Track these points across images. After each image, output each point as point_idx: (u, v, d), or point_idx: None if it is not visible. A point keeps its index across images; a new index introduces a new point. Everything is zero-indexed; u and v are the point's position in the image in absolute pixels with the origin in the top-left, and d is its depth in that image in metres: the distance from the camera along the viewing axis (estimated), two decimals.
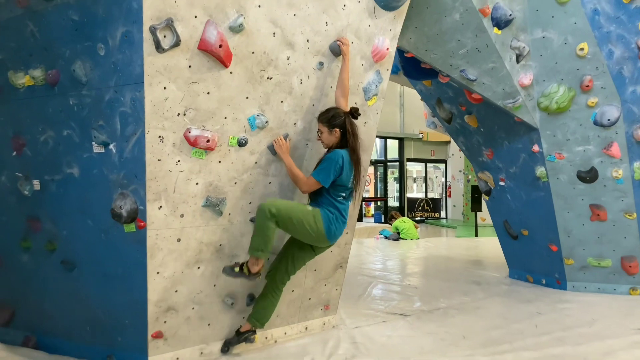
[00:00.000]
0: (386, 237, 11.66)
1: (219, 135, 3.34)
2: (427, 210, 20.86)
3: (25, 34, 3.42)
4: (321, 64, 3.74)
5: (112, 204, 3.23)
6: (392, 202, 20.61)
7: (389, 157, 20.05)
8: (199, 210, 3.37)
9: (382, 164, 19.98)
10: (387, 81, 4.19)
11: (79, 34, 3.18)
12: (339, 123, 3.55)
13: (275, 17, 3.44)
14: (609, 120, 5.05)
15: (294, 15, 3.52)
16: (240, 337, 3.66)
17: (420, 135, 19.44)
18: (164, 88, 3.07)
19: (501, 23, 4.67)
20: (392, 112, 18.80)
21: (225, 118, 3.36)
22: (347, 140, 3.55)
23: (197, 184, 3.32)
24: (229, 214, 3.52)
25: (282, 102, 3.62)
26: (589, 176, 5.39)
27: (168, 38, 3.01)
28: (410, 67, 5.68)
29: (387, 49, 4.04)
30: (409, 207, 20.29)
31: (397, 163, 20.31)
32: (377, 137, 19.09)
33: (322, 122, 3.57)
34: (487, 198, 6.72)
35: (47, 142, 3.48)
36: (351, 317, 4.67)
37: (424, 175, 21.27)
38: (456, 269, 7.50)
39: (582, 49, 4.86)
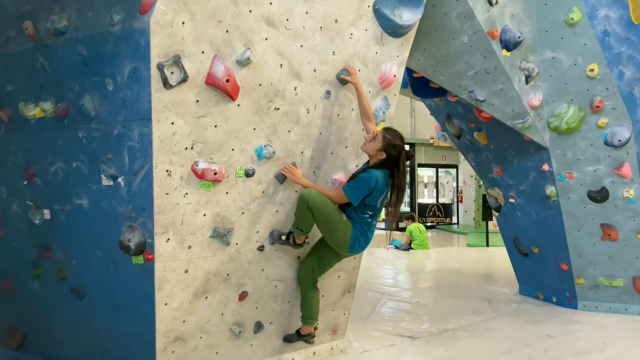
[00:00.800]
0: (396, 247, 11.63)
1: (227, 167, 3.36)
2: (439, 216, 20.78)
3: (35, 66, 3.46)
4: (328, 92, 3.75)
5: (120, 236, 3.26)
6: (403, 208, 20.58)
7: None
8: (206, 241, 3.39)
9: None
10: (394, 106, 4.19)
11: (88, 69, 3.22)
12: (392, 154, 3.59)
13: (282, 48, 3.45)
14: (619, 141, 5.01)
15: (301, 46, 3.53)
16: (300, 337, 3.89)
17: (431, 140, 19.37)
18: (172, 123, 3.09)
19: (510, 45, 4.65)
20: (403, 117, 18.74)
21: (233, 150, 3.38)
22: (393, 176, 3.63)
23: (204, 215, 3.34)
24: (237, 244, 3.54)
25: (289, 131, 3.63)
26: (599, 196, 5.34)
27: (175, 74, 3.03)
28: (418, 86, 5.66)
29: (395, 76, 4.04)
30: (420, 213, 20.21)
31: (408, 168, 20.28)
32: None
33: (384, 139, 3.58)
34: (497, 214, 6.69)
35: (57, 173, 3.53)
36: (359, 339, 4.67)
37: (435, 180, 21.21)
38: (466, 283, 7.47)
39: (592, 70, 4.82)
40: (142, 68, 2.99)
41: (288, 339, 3.92)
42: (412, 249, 11.47)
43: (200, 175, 3.25)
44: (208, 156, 3.28)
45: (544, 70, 4.96)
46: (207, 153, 3.27)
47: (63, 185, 3.51)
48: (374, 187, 3.52)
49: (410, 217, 12.46)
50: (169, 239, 3.22)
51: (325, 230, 3.61)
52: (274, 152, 3.56)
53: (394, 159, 3.59)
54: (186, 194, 3.23)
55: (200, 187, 3.28)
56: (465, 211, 19.95)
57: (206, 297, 3.46)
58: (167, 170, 3.13)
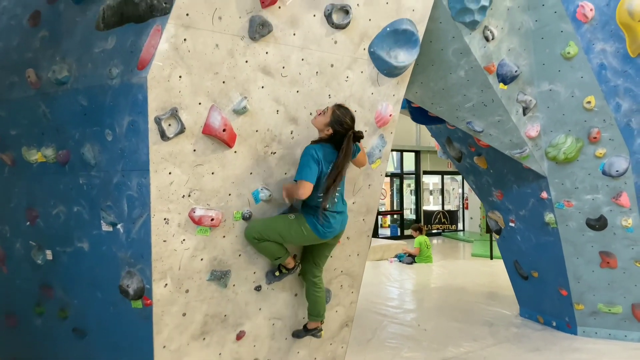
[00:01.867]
0: (400, 260, 11.66)
1: (223, 212, 3.43)
2: (444, 223, 20.80)
3: (37, 113, 3.55)
4: None
5: (120, 280, 3.34)
6: (409, 215, 20.58)
7: (405, 169, 20.04)
8: (204, 285, 3.46)
9: (397, 176, 19.98)
10: (390, 144, 4.24)
11: (88, 119, 3.30)
12: (338, 130, 3.49)
13: (279, 95, 3.52)
14: (617, 171, 5.03)
15: (297, 91, 3.59)
16: (307, 332, 3.92)
17: (436, 147, 19.31)
18: (169, 173, 3.16)
19: (507, 79, 4.69)
20: (408, 125, 18.74)
21: (230, 195, 3.45)
22: (338, 155, 3.50)
23: (201, 259, 3.41)
24: (234, 285, 3.61)
25: (285, 173, 3.69)
26: (598, 224, 5.37)
27: (173, 126, 3.10)
28: (417, 113, 5.72)
29: (391, 115, 4.09)
30: (425, 220, 20.24)
31: (414, 175, 20.29)
32: (393, 150, 19.15)
33: (332, 114, 3.48)
34: (497, 236, 6.72)
35: (59, 216, 3.61)
36: None
37: (440, 187, 21.22)
38: (468, 303, 7.49)
39: (589, 102, 4.85)
40: (140, 121, 3.06)
41: (296, 334, 3.95)
42: (415, 262, 11.49)
43: (198, 222, 3.32)
44: (205, 202, 3.35)
45: (542, 102, 4.99)
46: (204, 200, 3.34)
47: (65, 228, 3.59)
48: (317, 157, 3.41)
49: (418, 229, 12.44)
50: (166, 285, 3.29)
51: (288, 239, 3.58)
52: (270, 194, 3.61)
53: (339, 135, 3.48)
54: (183, 240, 3.30)
55: (197, 233, 3.35)
56: (471, 218, 19.93)
57: (204, 338, 3.53)
58: (164, 219, 3.20)
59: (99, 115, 3.24)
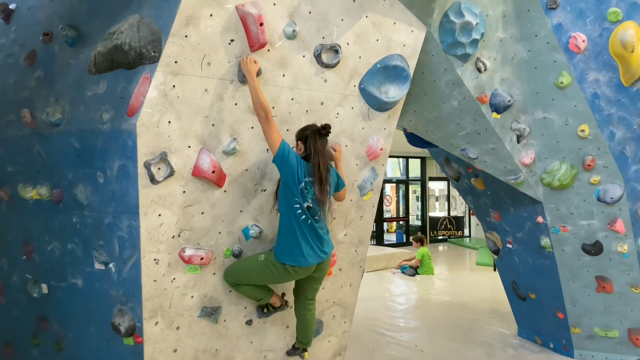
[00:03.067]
0: (402, 272, 11.68)
1: (213, 250, 3.49)
2: (450, 229, 20.76)
3: (33, 152, 3.62)
4: None
5: (112, 317, 3.41)
6: (414, 221, 20.58)
7: (411, 176, 20.04)
8: (194, 321, 3.52)
9: (403, 183, 19.98)
10: (382, 175, 4.28)
11: (80, 161, 3.37)
12: (302, 137, 3.49)
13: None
14: (612, 198, 5.04)
15: (287, 130, 3.64)
16: (295, 351, 3.93)
17: None
18: (159, 215, 3.23)
19: (500, 108, 4.71)
20: None
21: (220, 233, 3.50)
22: (309, 155, 3.45)
23: (192, 297, 3.47)
24: (225, 320, 3.66)
25: (277, 209, 3.74)
26: (593, 249, 5.37)
27: (162, 170, 3.16)
28: (413, 137, 5.75)
29: (382, 149, 4.12)
30: (431, 226, 20.23)
31: (419, 182, 20.28)
32: (398, 156, 19.17)
33: (296, 136, 3.56)
34: (495, 257, 6.74)
35: (53, 252, 3.68)
36: None
37: (446, 193, 21.19)
38: (467, 321, 7.50)
39: (583, 131, 4.86)
40: (130, 166, 3.12)
41: (289, 352, 3.97)
42: (417, 273, 11.51)
43: (188, 261, 3.38)
44: (195, 242, 3.41)
45: (536, 129, 5.01)
46: (194, 239, 3.40)
47: (59, 263, 3.66)
48: (284, 153, 3.32)
49: (419, 240, 12.46)
50: (157, 323, 3.35)
51: (263, 281, 3.56)
52: (260, 231, 3.67)
53: (305, 140, 3.46)
54: (174, 279, 3.36)
55: (187, 271, 3.41)
56: (477, 224, 19.88)
57: None
58: (154, 259, 3.26)
59: (91, 158, 3.31)
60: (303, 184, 3.40)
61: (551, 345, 6.14)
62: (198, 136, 3.27)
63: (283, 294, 3.83)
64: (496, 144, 4.93)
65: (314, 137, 3.45)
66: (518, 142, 4.98)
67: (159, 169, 3.15)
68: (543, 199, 5.36)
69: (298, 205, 3.40)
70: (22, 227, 3.84)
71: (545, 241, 5.60)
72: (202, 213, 3.39)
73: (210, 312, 3.57)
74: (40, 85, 3.63)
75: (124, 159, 3.14)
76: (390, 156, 17.07)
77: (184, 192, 3.29)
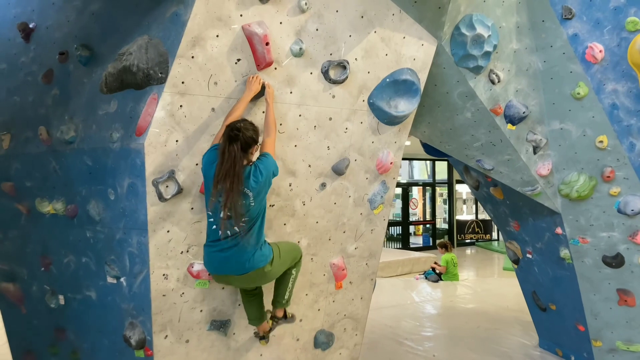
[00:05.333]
0: (426, 278, 11.59)
1: None
2: (478, 232, 20.51)
3: (49, 168, 3.74)
4: (323, 185, 3.87)
5: (124, 330, 3.49)
6: (441, 224, 20.39)
7: (438, 178, 19.86)
8: (204, 334, 3.58)
9: (430, 185, 19.82)
10: (393, 189, 4.28)
11: (93, 178, 3.46)
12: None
13: (276, 150, 3.58)
14: (632, 210, 4.92)
15: (295, 146, 3.67)
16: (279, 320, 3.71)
17: None
18: (167, 231, 3.29)
19: (515, 120, 4.65)
20: None
21: None
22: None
23: (201, 311, 3.53)
24: (234, 333, 3.71)
25: (284, 224, 3.78)
26: (614, 262, 5.25)
27: (170, 188, 3.23)
28: (429, 147, 5.72)
29: (392, 163, 4.12)
30: (458, 230, 20.02)
31: (446, 184, 20.08)
32: (424, 159, 19.02)
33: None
34: (515, 266, 6.64)
35: (69, 265, 3.79)
36: None
37: (474, 196, 20.91)
38: (488, 331, 7.42)
39: (601, 142, 4.76)
40: (139, 184, 3.19)
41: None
42: (441, 279, 11.41)
43: (196, 276, 3.44)
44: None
45: (553, 140, 4.92)
46: (202, 254, 3.45)
47: (74, 276, 3.77)
48: (204, 160, 3.16)
49: (444, 246, 12.32)
50: (167, 336, 3.42)
51: None
52: None
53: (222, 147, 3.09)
54: (183, 293, 3.43)
55: (196, 286, 3.47)
56: None
57: None
58: (163, 274, 3.33)
59: (102, 175, 3.40)
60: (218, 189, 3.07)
61: (572, 358, 6.03)
62: None
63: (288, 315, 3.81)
64: (512, 155, 4.86)
65: (225, 139, 3.07)
66: (534, 153, 4.91)
67: (167, 186, 3.22)
68: (562, 210, 5.27)
69: (210, 212, 3.16)
70: (40, 240, 3.97)
71: (564, 252, 5.50)
72: None
73: (219, 326, 3.62)
74: (56, 103, 3.74)
75: (133, 177, 3.22)
76: (417, 159, 16.93)
77: (191, 208, 3.35)
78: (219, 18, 3.23)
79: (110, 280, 3.51)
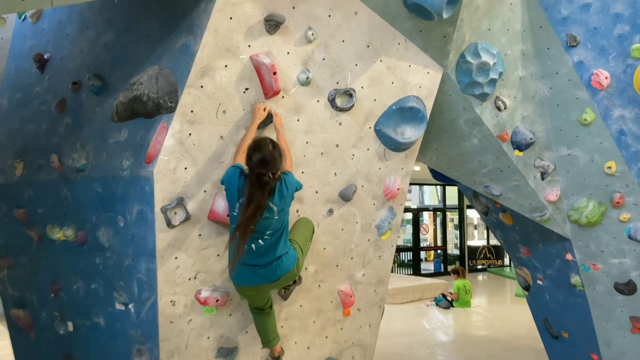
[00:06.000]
0: (437, 304, 11.49)
1: (229, 292, 3.55)
2: (489, 258, 20.33)
3: (60, 195, 3.80)
4: (331, 211, 3.89)
5: (131, 357, 3.50)
6: (453, 250, 20.26)
7: (448, 203, 19.79)
8: None
9: (440, 211, 19.74)
10: (401, 215, 4.29)
11: (103, 205, 3.51)
12: (247, 163, 3.17)
13: None
14: None
15: (302, 172, 3.71)
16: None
17: None
18: (175, 258, 3.32)
19: (522, 146, 4.66)
20: None
21: None
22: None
23: (208, 338, 3.53)
24: None
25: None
26: (627, 289, 5.19)
27: (179, 215, 3.27)
28: (437, 172, 5.74)
29: (399, 189, 4.14)
30: (470, 255, 19.86)
31: (457, 210, 19.99)
32: (434, 184, 18.97)
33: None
34: (526, 293, 6.58)
35: (78, 291, 3.83)
36: None
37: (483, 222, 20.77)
38: (500, 359, 7.32)
39: (609, 167, 4.75)
40: (148, 211, 3.24)
41: None
42: (452, 306, 11.30)
43: (204, 302, 3.45)
44: (211, 283, 3.48)
45: (561, 166, 4.93)
46: (210, 281, 3.47)
47: (84, 302, 3.80)
48: (225, 178, 3.19)
49: (456, 272, 12.21)
50: None
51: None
52: None
53: (249, 169, 3.15)
54: (190, 320, 3.44)
55: (203, 312, 3.48)
56: None
57: None
58: (171, 301, 3.35)
59: (112, 202, 3.45)
60: (237, 203, 3.15)
61: None
62: (214, 181, 3.36)
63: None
64: (519, 181, 4.87)
65: (252, 180, 3.09)
66: (542, 179, 4.91)
67: (175, 213, 3.25)
68: (571, 236, 5.24)
69: (233, 225, 3.19)
70: (51, 266, 4.01)
71: (575, 279, 5.45)
72: (218, 255, 3.47)
73: (227, 353, 3.61)
74: (69, 132, 3.83)
75: (142, 205, 3.26)
76: (427, 184, 16.88)
77: (199, 235, 3.38)
78: (228, 49, 3.31)
79: (118, 306, 3.53)
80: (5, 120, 4.50)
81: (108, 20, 3.85)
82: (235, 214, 3.15)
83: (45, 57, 4.16)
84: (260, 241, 3.20)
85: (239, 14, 3.32)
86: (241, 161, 3.21)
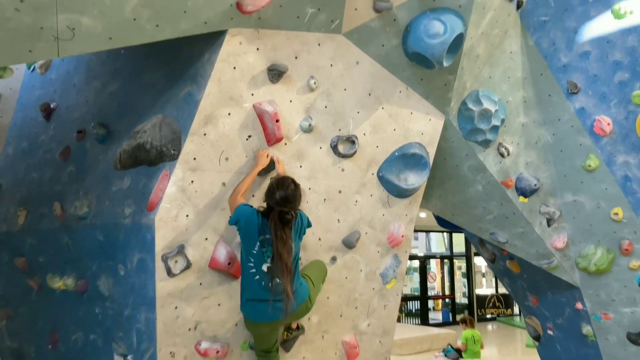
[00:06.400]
0: (446, 355, 11.17)
1: (230, 343, 3.46)
2: (499, 307, 19.89)
3: (61, 243, 3.78)
4: (334, 258, 3.84)
5: None
6: (461, 299, 19.89)
7: (455, 251, 19.56)
8: None
9: (448, 258, 19.49)
10: (406, 263, 4.22)
11: (104, 253, 3.48)
12: (267, 202, 3.19)
13: None
14: None
15: None
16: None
17: None
18: (175, 307, 3.26)
19: (527, 192, 4.64)
20: None
21: (236, 325, 3.48)
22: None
23: None
24: None
25: None
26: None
27: (179, 263, 3.22)
28: (442, 219, 5.69)
29: (403, 236, 4.09)
30: (478, 304, 19.46)
31: (464, 257, 19.74)
32: (441, 231, 18.81)
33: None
34: (537, 343, 6.40)
35: (77, 342, 3.75)
36: None
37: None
38: None
39: (616, 214, 4.70)
40: (148, 259, 3.20)
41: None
42: (461, 357, 10.98)
43: (204, 354, 3.36)
44: (212, 334, 3.40)
45: (567, 213, 4.88)
46: (210, 331, 3.39)
47: (82, 354, 3.71)
48: (236, 218, 3.14)
49: (464, 321, 11.89)
50: None
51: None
52: None
53: (269, 208, 3.16)
54: None
55: None
56: None
57: None
58: (170, 352, 3.26)
59: (113, 251, 3.42)
60: (260, 241, 3.15)
61: None
62: (215, 228, 3.34)
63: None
64: (525, 227, 4.81)
65: (274, 218, 3.11)
66: (548, 225, 4.86)
67: (175, 261, 3.21)
68: (580, 284, 5.14)
69: (252, 260, 3.17)
70: (50, 316, 3.95)
71: (587, 329, 5.31)
72: (219, 305, 3.41)
73: None
74: (72, 180, 3.84)
75: (143, 253, 3.23)
76: (433, 231, 16.67)
77: (200, 284, 3.33)
78: (231, 97, 3.35)
79: (117, 358, 3.44)
80: (11, 168, 4.53)
81: (114, 70, 3.92)
82: (255, 252, 3.15)
83: (51, 106, 4.23)
84: (277, 279, 3.16)
85: (242, 64, 3.37)
86: (236, 203, 3.21)
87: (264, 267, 3.14)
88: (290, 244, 3.15)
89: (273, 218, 3.11)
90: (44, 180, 4.08)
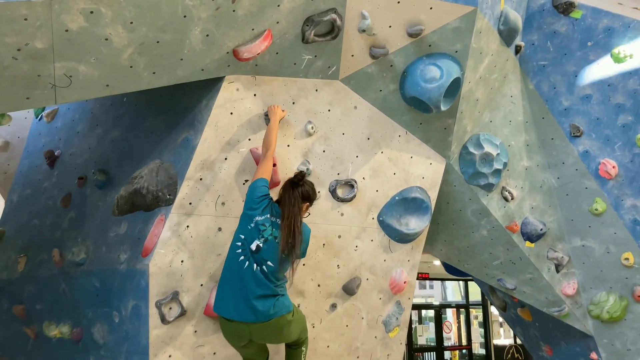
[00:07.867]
0: None
1: None
2: (517, 358, 19.28)
3: (59, 290, 3.75)
4: (334, 306, 3.76)
5: None
6: (478, 350, 19.30)
7: (471, 300, 19.11)
8: None
9: (464, 307, 19.04)
10: (409, 310, 4.11)
11: (99, 300, 3.44)
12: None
13: None
14: None
15: (303, 265, 3.62)
16: None
17: None
18: (169, 356, 3.18)
19: (533, 237, 4.54)
20: None
21: None
22: (280, 203, 3.11)
23: None
24: None
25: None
26: None
27: (174, 310, 3.17)
28: (450, 265, 5.58)
29: (406, 282, 4.00)
30: (496, 355, 18.84)
31: (481, 306, 19.27)
32: (457, 279, 18.43)
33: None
34: None
35: None
36: None
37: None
38: None
39: (627, 259, 4.58)
40: (142, 306, 3.15)
41: None
42: None
43: None
44: None
45: (576, 258, 4.76)
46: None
47: None
48: (251, 190, 3.10)
49: None
50: None
51: None
52: None
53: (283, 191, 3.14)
54: None
55: None
56: None
57: None
58: None
59: (108, 297, 3.38)
60: (263, 218, 3.04)
61: None
62: (211, 274, 3.29)
63: None
64: (533, 273, 4.69)
65: (286, 187, 3.15)
66: (557, 271, 4.73)
67: (170, 308, 3.16)
68: (594, 333, 4.96)
69: (242, 236, 3.03)
70: None
71: None
72: (214, 354, 3.32)
73: None
74: (72, 226, 3.84)
75: (137, 299, 3.18)
76: (449, 279, 16.38)
77: (195, 331, 3.25)
78: (228, 142, 3.36)
79: None
80: (14, 216, 4.56)
81: (116, 118, 3.99)
82: (251, 227, 3.01)
83: (55, 153, 4.28)
84: (264, 267, 2.98)
85: (239, 109, 3.41)
86: (268, 167, 3.19)
87: (253, 246, 2.96)
88: (298, 209, 3.06)
89: (284, 185, 3.14)
90: (44, 227, 4.09)
